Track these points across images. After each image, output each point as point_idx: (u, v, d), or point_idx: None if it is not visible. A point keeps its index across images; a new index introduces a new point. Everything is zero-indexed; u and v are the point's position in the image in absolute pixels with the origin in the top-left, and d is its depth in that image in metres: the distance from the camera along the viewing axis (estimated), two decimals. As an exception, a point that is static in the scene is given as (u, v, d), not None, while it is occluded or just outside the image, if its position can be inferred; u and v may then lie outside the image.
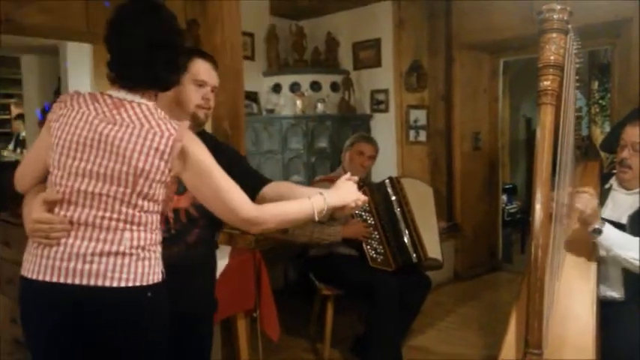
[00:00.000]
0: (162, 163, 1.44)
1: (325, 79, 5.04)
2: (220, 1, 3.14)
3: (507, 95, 5.83)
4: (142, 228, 1.48)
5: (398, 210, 3.04)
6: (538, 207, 1.58)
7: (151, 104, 1.50)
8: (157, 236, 1.52)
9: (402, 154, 4.95)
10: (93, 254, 1.42)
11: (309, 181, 4.43)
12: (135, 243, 1.47)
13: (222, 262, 2.58)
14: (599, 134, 6.21)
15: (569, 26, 1.58)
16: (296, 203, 1.59)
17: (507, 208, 5.32)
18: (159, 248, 1.53)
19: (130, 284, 1.44)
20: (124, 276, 1.43)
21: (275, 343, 2.77)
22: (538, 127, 1.60)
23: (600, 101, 6.31)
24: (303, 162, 4.84)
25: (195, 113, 1.75)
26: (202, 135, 1.73)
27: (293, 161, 4.86)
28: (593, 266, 1.98)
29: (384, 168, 4.52)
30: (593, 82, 6.34)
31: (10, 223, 3.05)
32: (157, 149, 1.43)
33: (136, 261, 1.46)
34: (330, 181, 3.13)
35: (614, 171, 2.27)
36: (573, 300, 1.88)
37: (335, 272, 3.01)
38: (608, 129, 5.64)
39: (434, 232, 3.14)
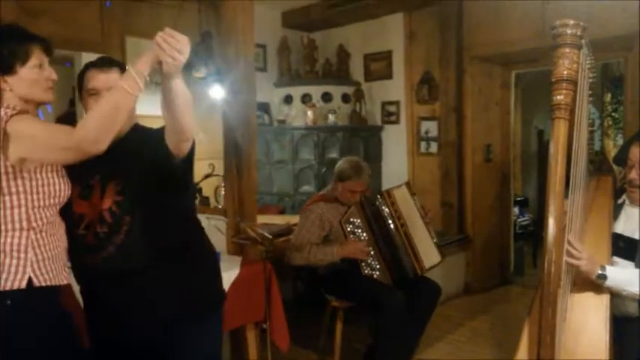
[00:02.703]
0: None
1: (336, 91, 5.06)
2: (234, 13, 3.16)
3: (519, 107, 5.82)
4: (3, 227, 1.51)
5: (391, 224, 2.99)
6: (551, 221, 1.57)
7: None
8: (22, 240, 1.52)
9: (412, 166, 4.95)
10: None
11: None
12: None
13: (232, 273, 2.59)
14: (612, 147, 6.17)
15: (583, 41, 1.58)
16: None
17: (519, 220, 5.27)
18: (27, 255, 1.52)
19: None
20: None
21: (284, 354, 2.77)
22: (551, 141, 1.59)
23: (613, 114, 6.27)
24: (313, 173, 4.85)
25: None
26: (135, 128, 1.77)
27: (304, 172, 4.87)
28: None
29: (395, 180, 4.52)
30: (606, 95, 6.31)
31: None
32: None
33: None
34: (324, 201, 3.12)
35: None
36: (586, 315, 1.86)
37: (344, 285, 3.00)
38: (621, 142, 5.60)
39: (425, 234, 3.08)
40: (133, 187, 1.66)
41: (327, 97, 5.04)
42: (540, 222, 4.43)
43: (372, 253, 2.98)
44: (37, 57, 1.63)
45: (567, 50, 1.56)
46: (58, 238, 1.63)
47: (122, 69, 1.75)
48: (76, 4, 3.85)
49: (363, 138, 5.00)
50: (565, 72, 1.57)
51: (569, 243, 1.81)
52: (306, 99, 4.99)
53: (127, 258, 1.66)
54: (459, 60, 4.54)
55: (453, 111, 4.63)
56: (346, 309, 3.06)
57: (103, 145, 1.43)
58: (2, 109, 1.51)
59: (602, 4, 3.47)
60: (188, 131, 1.56)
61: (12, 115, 1.50)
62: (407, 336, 2.91)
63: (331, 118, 4.90)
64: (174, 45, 1.39)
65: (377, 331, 2.88)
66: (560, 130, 1.58)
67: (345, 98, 5.09)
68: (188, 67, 3.70)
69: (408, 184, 3.27)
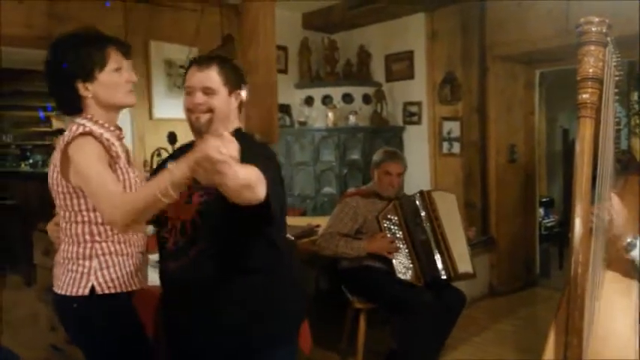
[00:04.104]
0: (57, 174, 1.56)
1: (357, 92, 5.06)
2: (256, 16, 3.19)
3: (543, 106, 5.73)
4: (69, 240, 1.60)
5: (428, 225, 3.00)
6: (578, 221, 1.54)
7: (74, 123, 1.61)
8: (88, 250, 1.58)
9: (435, 167, 4.91)
10: (56, 261, 1.67)
11: (341, 194, 4.43)
12: (64, 254, 1.61)
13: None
14: (639, 146, 6.03)
15: (608, 38, 1.55)
16: (143, 187, 1.47)
17: (544, 221, 5.19)
18: (92, 263, 1.58)
19: (61, 292, 1.59)
20: (59, 283, 1.61)
21: (307, 356, 2.77)
22: (577, 140, 1.57)
23: (641, 112, 6.13)
24: (335, 174, 4.85)
25: (188, 118, 1.69)
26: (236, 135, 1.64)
27: (325, 173, 4.88)
28: (636, 283, 1.91)
29: (417, 180, 4.49)
30: (633, 93, 6.16)
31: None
32: (54, 164, 1.56)
33: (65, 272, 1.60)
34: (361, 195, 3.14)
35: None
36: (614, 318, 1.82)
37: (368, 285, 2.99)
38: (649, 141, 5.47)
39: (463, 244, 3.07)
40: (214, 202, 1.53)
41: (347, 98, 5.03)
42: (566, 223, 4.36)
43: (406, 251, 2.97)
44: (114, 60, 1.61)
45: (592, 48, 1.53)
46: (127, 245, 1.65)
47: (222, 64, 1.67)
48: (102, 9, 3.92)
49: (384, 139, 4.98)
50: (590, 70, 1.54)
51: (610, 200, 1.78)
52: (326, 100, 5.00)
53: (198, 273, 1.60)
54: (481, 59, 4.49)
55: (476, 111, 4.59)
56: (369, 310, 3.05)
57: (130, 230, 1.51)
58: (75, 125, 1.57)
59: (627, 1, 3.39)
60: (251, 201, 1.33)
61: (74, 138, 1.51)
62: (432, 340, 2.89)
63: (352, 119, 4.89)
64: (212, 169, 1.19)
65: (402, 333, 2.87)
66: (586, 129, 1.55)
67: (366, 99, 5.08)
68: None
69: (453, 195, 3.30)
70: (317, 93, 5.06)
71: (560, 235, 5.18)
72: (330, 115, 4.86)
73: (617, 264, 1.93)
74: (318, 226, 3.48)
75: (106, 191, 1.44)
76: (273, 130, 3.27)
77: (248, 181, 1.27)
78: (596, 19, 1.52)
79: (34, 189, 5.79)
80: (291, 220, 3.94)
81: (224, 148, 1.17)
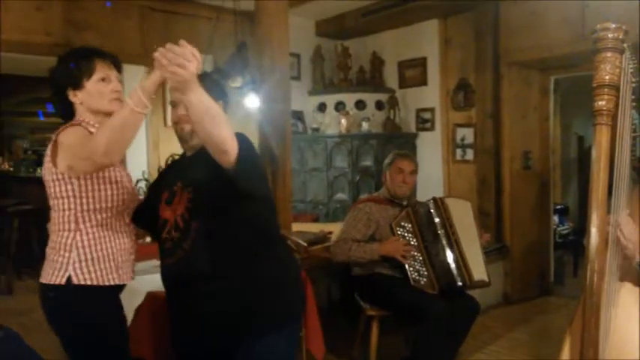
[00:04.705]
0: (48, 163, 1.66)
1: (370, 98, 5.06)
2: (269, 23, 3.21)
3: (558, 113, 5.69)
4: (55, 228, 1.68)
5: (442, 232, 2.98)
6: (594, 230, 1.53)
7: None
8: (70, 240, 1.66)
9: (448, 173, 4.89)
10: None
11: (353, 201, 4.43)
12: (50, 244, 1.71)
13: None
14: (656, 153, 5.95)
15: (625, 45, 1.54)
16: (116, 110, 1.56)
17: (559, 229, 5.14)
18: (71, 254, 1.66)
19: (42, 280, 1.68)
20: (42, 272, 1.70)
21: (319, 362, 2.76)
22: (593, 148, 1.55)
23: (658, 119, 6.05)
24: (347, 180, 4.86)
25: (175, 130, 1.84)
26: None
27: (338, 179, 4.88)
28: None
29: (430, 187, 4.48)
30: (650, 100, 6.10)
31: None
32: (47, 154, 1.69)
33: (48, 262, 1.69)
34: (374, 202, 3.14)
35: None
36: (631, 327, 1.79)
37: (381, 292, 2.97)
38: (666, 148, 5.39)
39: (478, 251, 3.05)
40: (200, 195, 1.69)
41: (360, 105, 5.04)
42: (581, 231, 4.31)
43: (420, 258, 2.96)
44: (101, 71, 1.75)
45: (609, 55, 1.52)
46: (110, 240, 1.72)
47: (201, 80, 1.65)
48: (119, 18, 3.98)
49: (397, 145, 4.97)
50: (607, 77, 1.53)
51: (621, 223, 1.74)
52: (339, 107, 5.01)
53: (194, 264, 1.68)
54: (495, 66, 4.48)
55: (490, 117, 4.56)
56: (381, 318, 3.03)
57: (113, 158, 1.52)
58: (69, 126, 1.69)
59: (645, 6, 3.36)
60: (218, 144, 1.48)
61: (64, 128, 1.65)
62: (445, 348, 2.87)
63: (365, 125, 4.90)
64: (174, 60, 1.32)
65: (416, 340, 2.85)
66: (602, 136, 1.54)
67: (379, 105, 5.08)
68: (224, 77, 3.77)
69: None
70: (330, 99, 5.07)
71: (575, 243, 5.13)
72: (343, 121, 4.87)
73: (630, 276, 1.90)
74: (330, 232, 3.48)
75: (87, 140, 1.56)
76: (286, 136, 3.28)
77: (209, 109, 1.42)
78: (613, 26, 1.50)
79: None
80: (304, 227, 3.95)
81: (187, 49, 1.32)
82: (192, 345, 1.75)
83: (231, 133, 1.50)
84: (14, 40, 3.56)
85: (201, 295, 1.69)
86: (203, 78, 1.73)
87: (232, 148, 1.50)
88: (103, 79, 1.75)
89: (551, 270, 4.89)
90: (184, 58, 1.32)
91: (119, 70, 1.83)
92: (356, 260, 2.98)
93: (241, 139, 1.56)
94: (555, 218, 5.12)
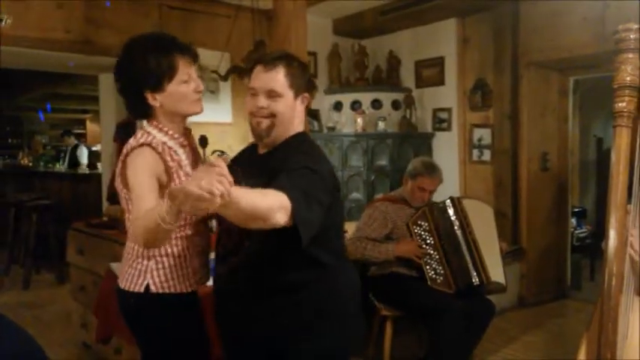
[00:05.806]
0: (120, 185, 1.62)
1: (386, 97, 5.04)
2: (287, 22, 3.22)
3: (577, 114, 5.61)
4: (130, 237, 1.65)
5: (459, 231, 2.97)
6: (612, 233, 1.50)
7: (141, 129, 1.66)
8: (146, 250, 1.62)
9: (464, 174, 4.86)
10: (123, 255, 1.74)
11: (368, 200, 4.42)
12: (127, 250, 1.69)
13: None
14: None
15: (647, 46, 1.52)
16: (150, 212, 1.41)
17: (576, 232, 5.07)
18: (148, 262, 1.63)
19: (122, 286, 1.67)
20: (121, 277, 1.69)
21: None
22: (613, 150, 1.53)
23: (680, 121, 5.94)
24: (362, 180, 4.85)
25: (250, 122, 1.65)
26: (292, 141, 1.62)
27: (353, 179, 4.87)
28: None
29: (446, 187, 4.42)
30: (672, 102, 5.99)
31: (84, 232, 3.22)
32: (117, 173, 1.63)
33: (127, 267, 1.67)
34: (390, 201, 3.13)
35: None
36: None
37: (396, 293, 2.96)
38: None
39: (496, 254, 3.04)
40: None
41: (376, 104, 5.03)
42: (599, 234, 4.25)
43: (437, 257, 2.95)
44: (183, 71, 1.59)
45: (630, 56, 1.50)
46: (185, 247, 1.66)
47: (289, 64, 1.59)
48: (137, 16, 4.02)
49: (413, 145, 4.96)
50: (628, 78, 1.51)
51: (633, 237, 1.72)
52: (355, 106, 5.00)
53: (233, 284, 1.62)
54: (514, 66, 4.43)
55: (508, 118, 4.53)
56: (396, 318, 3.02)
57: (156, 245, 1.49)
58: (140, 132, 1.62)
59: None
60: (266, 225, 1.28)
61: (132, 149, 1.56)
62: (460, 349, 2.85)
63: (381, 124, 4.88)
64: (185, 201, 1.12)
65: (431, 341, 2.84)
66: (622, 138, 1.52)
67: (395, 105, 5.06)
68: (240, 76, 3.78)
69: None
70: (346, 98, 5.07)
71: (593, 246, 5.05)
72: (359, 120, 4.86)
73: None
74: (345, 231, 3.47)
75: (137, 202, 1.47)
76: (302, 135, 3.28)
77: (253, 210, 1.21)
78: (635, 26, 1.48)
79: (68, 189, 5.95)
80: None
81: (207, 181, 1.07)
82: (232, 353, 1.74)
83: (280, 199, 1.27)
84: (35, 37, 3.61)
85: (235, 317, 1.64)
86: (291, 63, 1.59)
87: (285, 213, 1.29)
88: (185, 81, 1.59)
89: (567, 273, 4.84)
90: (209, 187, 1.07)
91: (196, 59, 1.66)
92: (370, 259, 2.98)
93: (302, 183, 1.36)
94: (573, 221, 5.06)
